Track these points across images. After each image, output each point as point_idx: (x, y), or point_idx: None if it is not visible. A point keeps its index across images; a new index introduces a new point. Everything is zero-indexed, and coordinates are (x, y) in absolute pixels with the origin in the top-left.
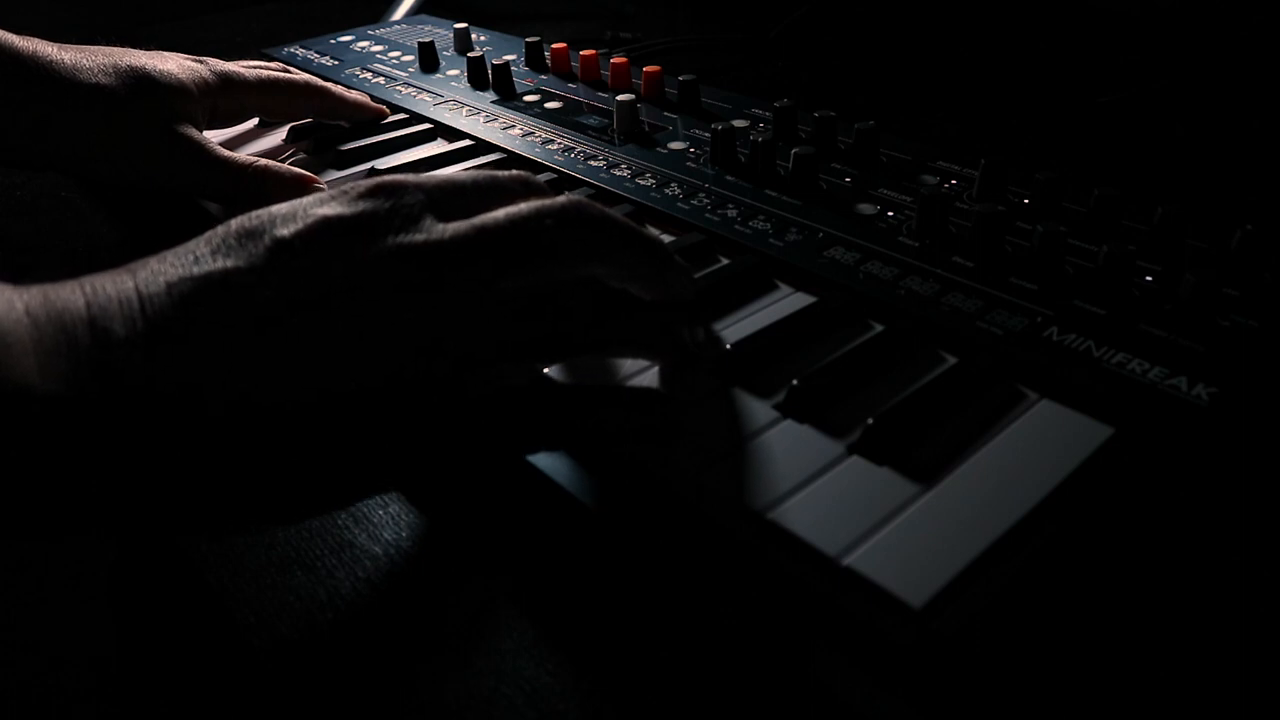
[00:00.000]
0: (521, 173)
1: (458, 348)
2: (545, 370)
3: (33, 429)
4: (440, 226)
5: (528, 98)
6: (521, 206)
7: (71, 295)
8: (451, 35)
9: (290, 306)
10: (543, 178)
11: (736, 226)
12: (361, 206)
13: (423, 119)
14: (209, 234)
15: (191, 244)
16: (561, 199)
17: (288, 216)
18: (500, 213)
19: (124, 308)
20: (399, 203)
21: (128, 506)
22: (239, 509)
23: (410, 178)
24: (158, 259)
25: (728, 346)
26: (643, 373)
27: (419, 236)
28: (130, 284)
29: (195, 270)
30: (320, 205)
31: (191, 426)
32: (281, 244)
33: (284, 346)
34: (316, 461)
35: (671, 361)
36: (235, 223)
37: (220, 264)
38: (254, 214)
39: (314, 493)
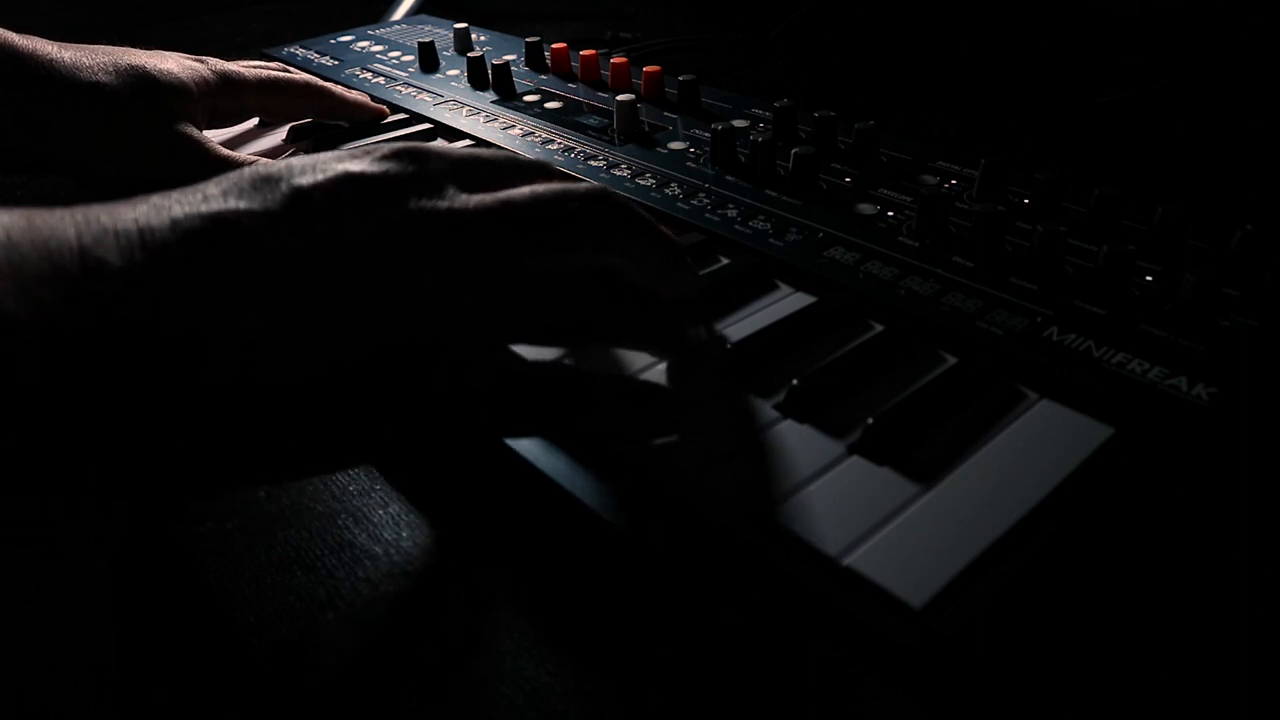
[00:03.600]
0: (542, 160)
1: (476, 320)
2: (545, 369)
3: (11, 361)
4: (464, 196)
5: (528, 98)
6: (546, 186)
7: (60, 223)
8: (451, 35)
9: (307, 254)
10: None
11: (736, 226)
12: (385, 166)
13: (423, 119)
14: (219, 178)
15: (199, 185)
16: (585, 184)
17: (307, 167)
18: (525, 189)
19: (121, 239)
20: (424, 168)
21: (115, 457)
22: (229, 467)
23: (434, 146)
24: (160, 196)
25: (728, 346)
26: (643, 371)
27: (443, 203)
28: (129, 216)
29: (204, 208)
30: (341, 161)
31: (193, 373)
32: (300, 192)
33: (297, 296)
34: (314, 425)
35: (678, 359)
36: (249, 170)
37: (233, 204)
38: (270, 162)
39: (302, 455)
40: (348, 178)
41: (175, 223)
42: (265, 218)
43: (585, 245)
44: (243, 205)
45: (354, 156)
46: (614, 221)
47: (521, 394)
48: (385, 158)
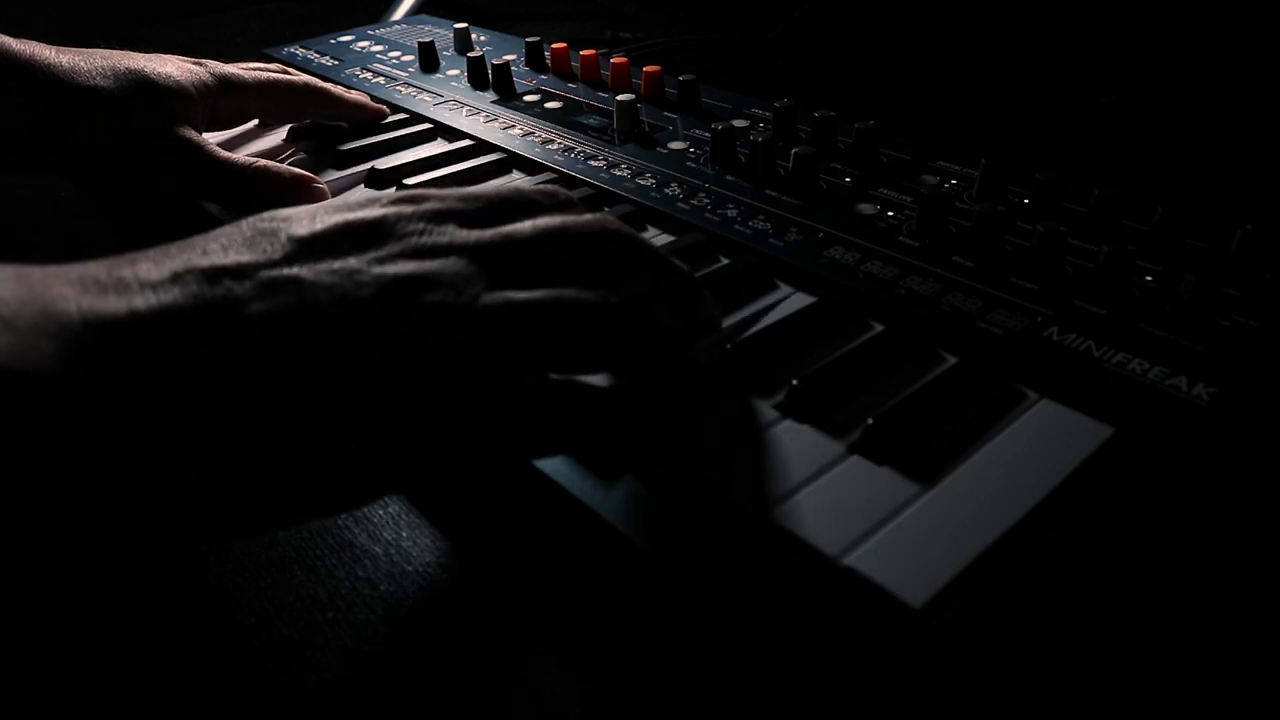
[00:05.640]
0: (554, 187)
1: (462, 356)
2: (546, 383)
3: (13, 411)
4: (464, 233)
5: (528, 98)
6: (547, 220)
7: (54, 274)
8: (451, 35)
9: (312, 297)
10: (542, 177)
11: (736, 226)
12: (381, 212)
13: (423, 119)
14: (215, 232)
15: (196, 240)
16: (588, 217)
17: (302, 218)
18: (527, 224)
19: (120, 292)
20: (420, 209)
21: (127, 502)
22: (240, 509)
23: (433, 190)
24: (158, 250)
25: (728, 346)
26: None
27: (443, 239)
28: (128, 273)
29: (203, 263)
30: (337, 212)
31: (203, 416)
32: (299, 241)
33: (301, 339)
34: (324, 460)
35: (675, 379)
36: (246, 223)
37: (234, 258)
38: (265, 215)
39: (318, 494)
40: (346, 226)
41: (176, 276)
42: (267, 268)
43: (587, 277)
44: (244, 259)
45: (348, 207)
46: (619, 253)
47: (519, 401)
48: (381, 204)
